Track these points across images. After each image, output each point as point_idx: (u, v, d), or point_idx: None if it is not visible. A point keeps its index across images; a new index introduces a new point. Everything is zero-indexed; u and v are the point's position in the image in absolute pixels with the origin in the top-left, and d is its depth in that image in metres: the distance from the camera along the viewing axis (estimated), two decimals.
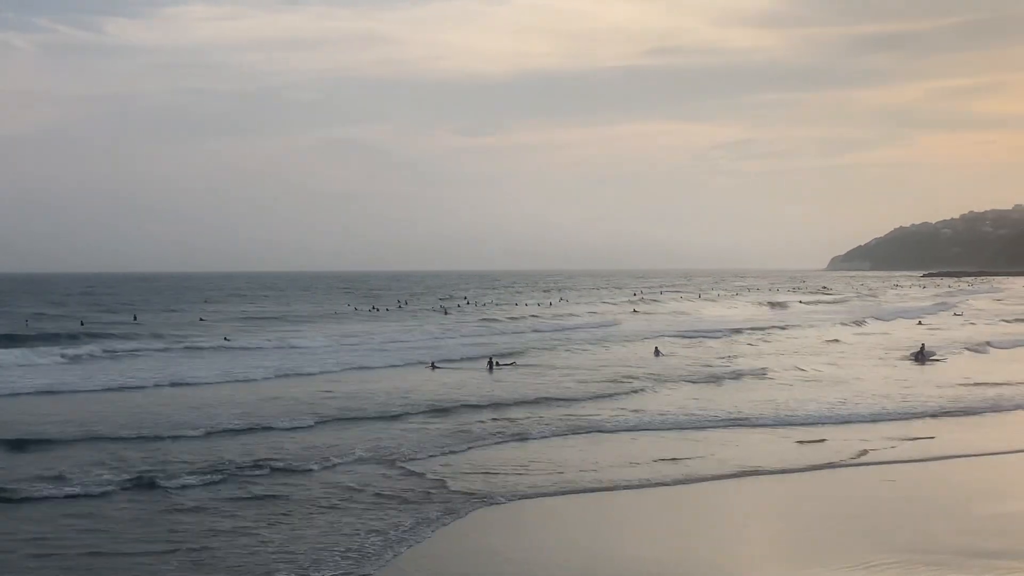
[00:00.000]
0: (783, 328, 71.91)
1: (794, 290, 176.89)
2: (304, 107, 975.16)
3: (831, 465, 21.44)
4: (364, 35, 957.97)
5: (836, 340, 59.78)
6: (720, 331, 66.39)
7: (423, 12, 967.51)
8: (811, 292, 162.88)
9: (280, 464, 21.01)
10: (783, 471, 20.77)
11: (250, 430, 25.54)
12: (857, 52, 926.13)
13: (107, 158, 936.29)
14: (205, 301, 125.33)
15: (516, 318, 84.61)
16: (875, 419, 27.82)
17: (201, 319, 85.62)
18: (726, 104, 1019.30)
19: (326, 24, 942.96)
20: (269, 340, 58.01)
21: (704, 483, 19.78)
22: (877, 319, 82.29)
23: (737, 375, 38.92)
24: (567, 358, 48.11)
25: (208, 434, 24.90)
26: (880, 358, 47.55)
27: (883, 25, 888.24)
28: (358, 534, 15.89)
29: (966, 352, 50.43)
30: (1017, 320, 77.65)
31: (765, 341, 59.98)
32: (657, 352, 49.81)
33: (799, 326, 73.97)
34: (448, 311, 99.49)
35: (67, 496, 18.33)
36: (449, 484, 19.36)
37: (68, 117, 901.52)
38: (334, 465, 21.11)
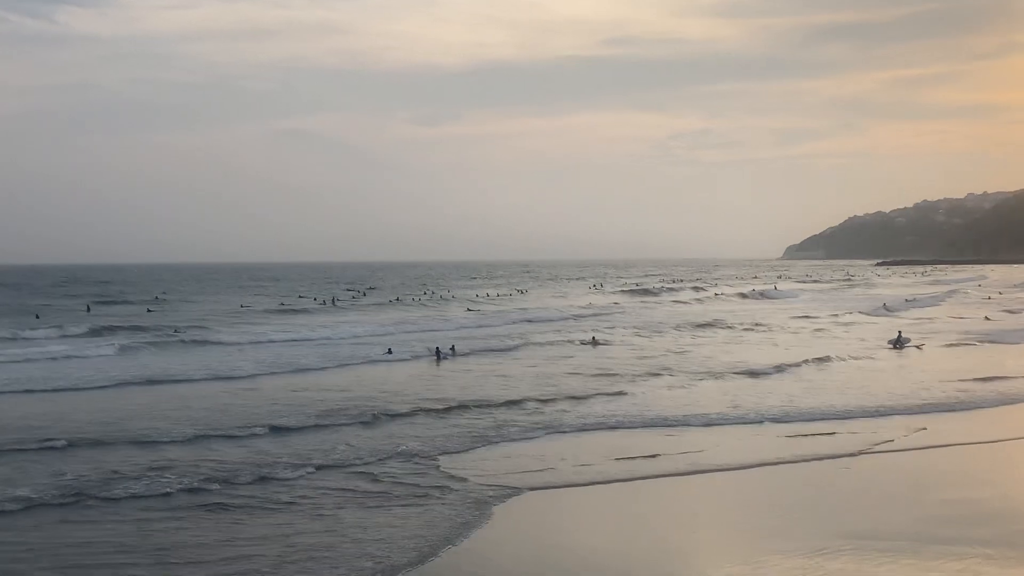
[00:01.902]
0: (797, 317, 71.04)
1: (755, 278, 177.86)
2: (259, 97, 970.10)
3: (791, 460, 21.38)
4: (319, 25, 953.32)
5: (822, 329, 59.70)
6: (701, 322, 65.36)
7: (377, 1, 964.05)
8: (795, 280, 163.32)
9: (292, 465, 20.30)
10: (740, 467, 20.66)
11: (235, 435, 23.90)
12: (813, 42, 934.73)
13: (59, 149, 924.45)
14: (163, 292, 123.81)
15: (475, 310, 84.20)
16: (842, 413, 27.50)
17: (149, 310, 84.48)
18: (683, 94, 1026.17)
19: (280, 14, 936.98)
20: (224, 333, 57.31)
21: (664, 479, 19.66)
22: (889, 310, 79.94)
23: (721, 368, 38.21)
24: (519, 350, 47.51)
25: (197, 437, 23.36)
26: (858, 346, 47.68)
27: (838, 15, 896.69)
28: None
29: (969, 344, 49.16)
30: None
31: (756, 330, 59.97)
32: (595, 342, 49.84)
33: (796, 316, 72.24)
34: (402, 300, 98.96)
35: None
36: (474, 481, 19.18)
37: (19, 107, 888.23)
38: (358, 463, 20.64)
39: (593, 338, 51.05)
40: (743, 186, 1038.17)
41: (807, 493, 18.73)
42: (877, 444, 22.93)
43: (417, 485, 18.82)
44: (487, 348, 47.88)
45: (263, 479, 19.12)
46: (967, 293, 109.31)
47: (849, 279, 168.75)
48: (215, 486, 18.51)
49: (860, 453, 21.95)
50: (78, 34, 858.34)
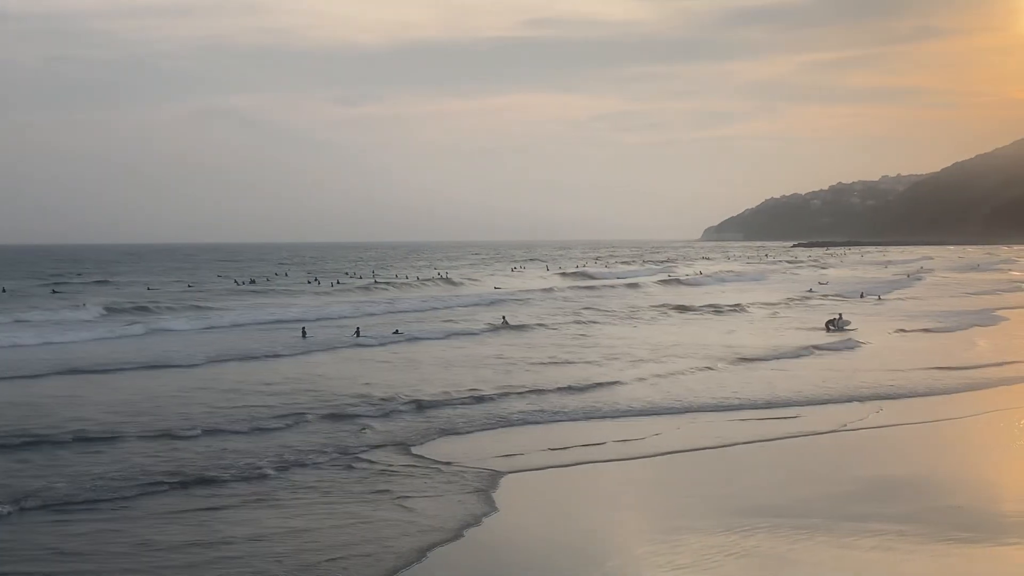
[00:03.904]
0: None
1: (721, 258, 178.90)
2: (178, 76, 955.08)
3: (721, 445, 21.35)
4: (239, 2, 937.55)
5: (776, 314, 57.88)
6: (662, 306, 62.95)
7: None
8: (747, 261, 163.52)
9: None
10: (675, 452, 20.55)
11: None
12: (731, 25, 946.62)
13: None
14: (79, 273, 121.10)
15: (383, 283, 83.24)
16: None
17: (54, 291, 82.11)
18: (604, 76, 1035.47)
19: None
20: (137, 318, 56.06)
21: (608, 464, 19.54)
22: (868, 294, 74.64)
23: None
24: (433, 330, 46.96)
25: (142, 437, 21.26)
26: (796, 329, 46.93)
27: None
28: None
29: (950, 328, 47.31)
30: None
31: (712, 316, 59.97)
32: (505, 322, 49.87)
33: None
34: (319, 282, 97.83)
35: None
36: (457, 466, 18.97)
37: None
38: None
39: (503, 319, 51.06)
40: (663, 168, 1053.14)
41: (730, 475, 18.75)
42: (821, 429, 22.81)
43: (399, 472, 18.41)
44: (422, 333, 45.57)
45: (233, 479, 17.77)
46: (932, 273, 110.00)
47: (799, 262, 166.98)
48: (198, 484, 17.40)
49: (787, 437, 21.99)
50: None
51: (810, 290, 79.51)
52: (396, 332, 44.67)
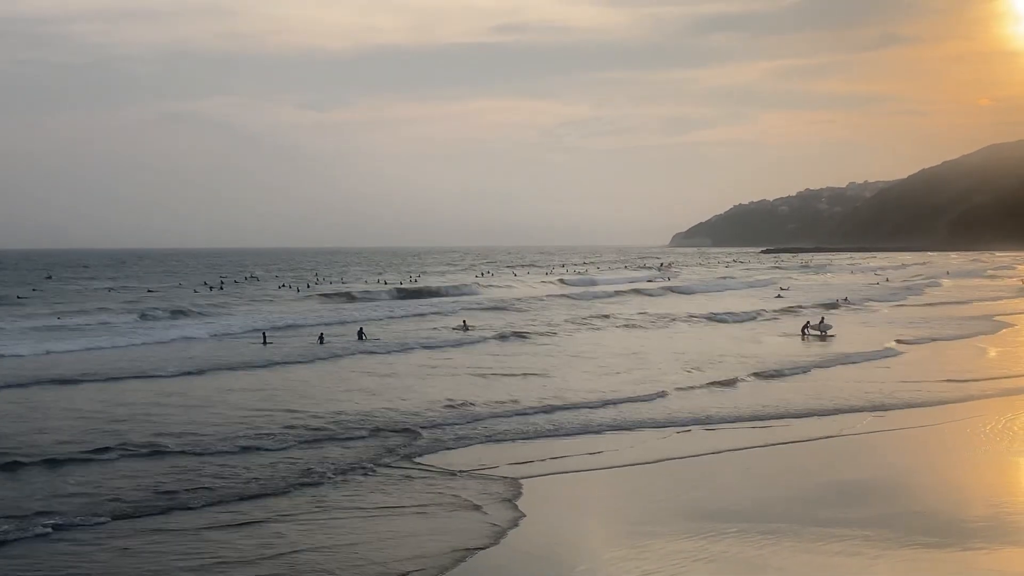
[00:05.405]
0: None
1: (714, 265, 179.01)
2: (142, 80, 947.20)
3: (695, 455, 21.21)
4: (204, 6, 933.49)
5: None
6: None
7: None
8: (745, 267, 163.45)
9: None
10: (627, 464, 20.35)
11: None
12: (700, 32, 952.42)
13: None
14: (49, 276, 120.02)
15: (365, 297, 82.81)
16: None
17: (19, 297, 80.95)
18: (573, 82, 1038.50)
19: None
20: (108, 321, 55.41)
21: (578, 474, 19.39)
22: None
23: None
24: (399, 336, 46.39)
25: (122, 456, 20.23)
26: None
27: (726, 5, 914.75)
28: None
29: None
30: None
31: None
32: (465, 326, 49.83)
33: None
34: (289, 286, 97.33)
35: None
36: (474, 474, 19.02)
37: None
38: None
39: (464, 322, 51.15)
40: (631, 173, 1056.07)
41: (680, 483, 18.69)
42: (808, 437, 22.78)
43: (412, 478, 18.51)
44: (394, 342, 44.12)
45: (241, 499, 17.11)
46: (922, 279, 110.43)
47: (794, 267, 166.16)
48: (240, 500, 16.93)
49: (770, 445, 21.96)
50: None
51: (778, 296, 78.83)
52: (361, 338, 43.79)
